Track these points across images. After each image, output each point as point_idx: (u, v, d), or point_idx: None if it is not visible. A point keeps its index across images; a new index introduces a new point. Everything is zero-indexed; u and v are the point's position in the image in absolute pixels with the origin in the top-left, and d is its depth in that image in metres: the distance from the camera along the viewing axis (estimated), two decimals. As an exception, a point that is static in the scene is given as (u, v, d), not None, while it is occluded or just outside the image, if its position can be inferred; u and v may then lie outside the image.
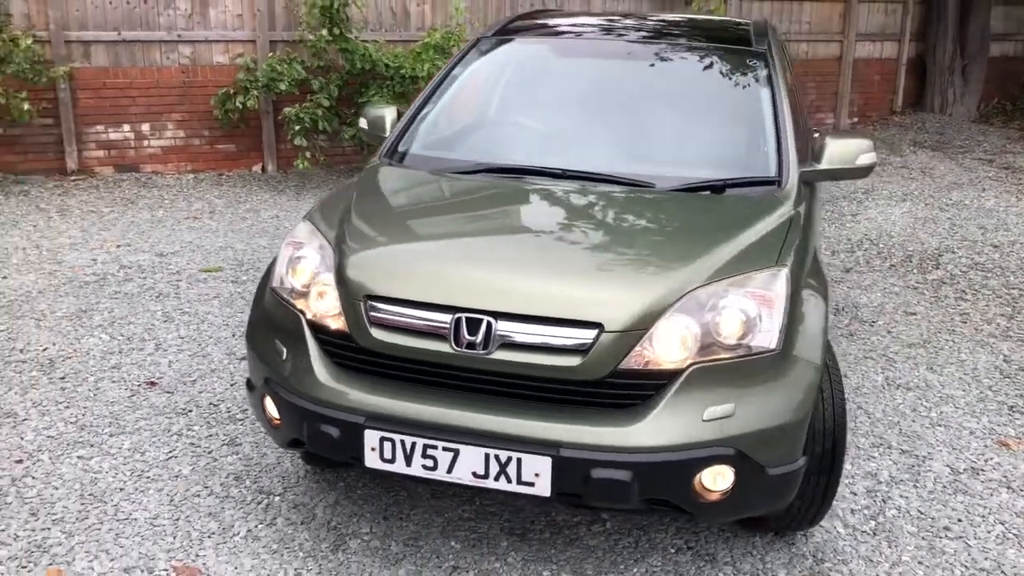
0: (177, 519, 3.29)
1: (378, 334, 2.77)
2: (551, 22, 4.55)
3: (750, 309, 2.74)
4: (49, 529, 3.20)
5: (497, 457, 2.60)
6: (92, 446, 3.79)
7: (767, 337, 2.75)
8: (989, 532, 3.39)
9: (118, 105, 9.03)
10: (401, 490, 3.52)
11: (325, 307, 2.90)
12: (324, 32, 8.89)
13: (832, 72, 12.37)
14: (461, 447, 2.63)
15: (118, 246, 6.77)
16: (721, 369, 2.69)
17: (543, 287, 2.74)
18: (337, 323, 2.86)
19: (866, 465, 3.85)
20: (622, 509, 2.73)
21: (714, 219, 3.20)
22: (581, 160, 3.55)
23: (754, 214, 3.17)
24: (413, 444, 2.66)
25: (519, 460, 2.59)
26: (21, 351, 4.76)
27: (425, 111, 3.97)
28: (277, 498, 3.45)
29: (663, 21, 4.61)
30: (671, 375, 2.66)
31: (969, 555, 3.24)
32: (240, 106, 8.93)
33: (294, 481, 3.56)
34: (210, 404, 4.20)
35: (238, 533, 3.22)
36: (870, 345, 5.24)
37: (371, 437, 2.69)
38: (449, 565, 3.08)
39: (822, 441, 2.96)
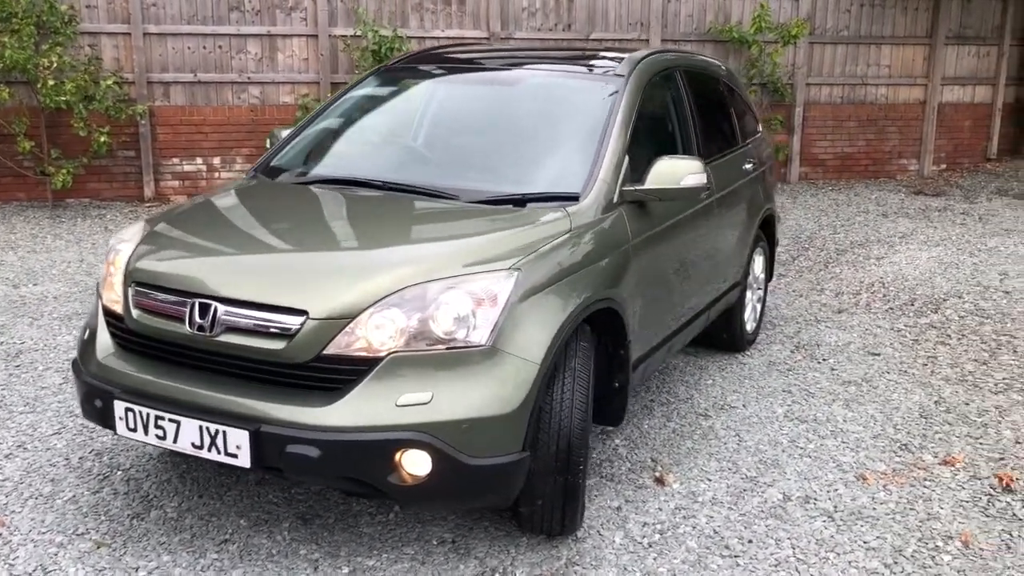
0: (21, 482, 3.71)
1: (138, 316, 3.12)
2: (442, 56, 4.82)
3: (466, 306, 2.91)
4: (-88, 481, 3.70)
5: (208, 429, 2.88)
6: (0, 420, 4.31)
7: (479, 334, 2.90)
8: (772, 555, 3.34)
9: (192, 140, 9.92)
10: (231, 476, 3.81)
11: (115, 294, 3.27)
12: (375, 74, 9.50)
13: (915, 117, 11.95)
14: (182, 419, 2.92)
15: (148, 263, 7.43)
16: (425, 359, 2.86)
17: (259, 277, 3.02)
18: (118, 307, 3.22)
19: (696, 486, 3.84)
20: (332, 485, 2.94)
21: (476, 226, 3.36)
22: (404, 174, 3.82)
23: (523, 225, 3.33)
24: (148, 415, 2.97)
25: (225, 433, 2.85)
26: (1, 343, 5.39)
27: (303, 132, 4.33)
28: (120, 472, 3.83)
29: (544, 51, 4.81)
30: (375, 362, 2.85)
31: (730, 573, 3.21)
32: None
33: (145, 460, 3.93)
34: (123, 394, 4.64)
35: (63, 496, 3.61)
36: (800, 381, 5.14)
37: (119, 407, 3.03)
38: (222, 538, 3.35)
39: (556, 441, 3.06)
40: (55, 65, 8.74)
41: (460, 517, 3.50)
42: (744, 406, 4.74)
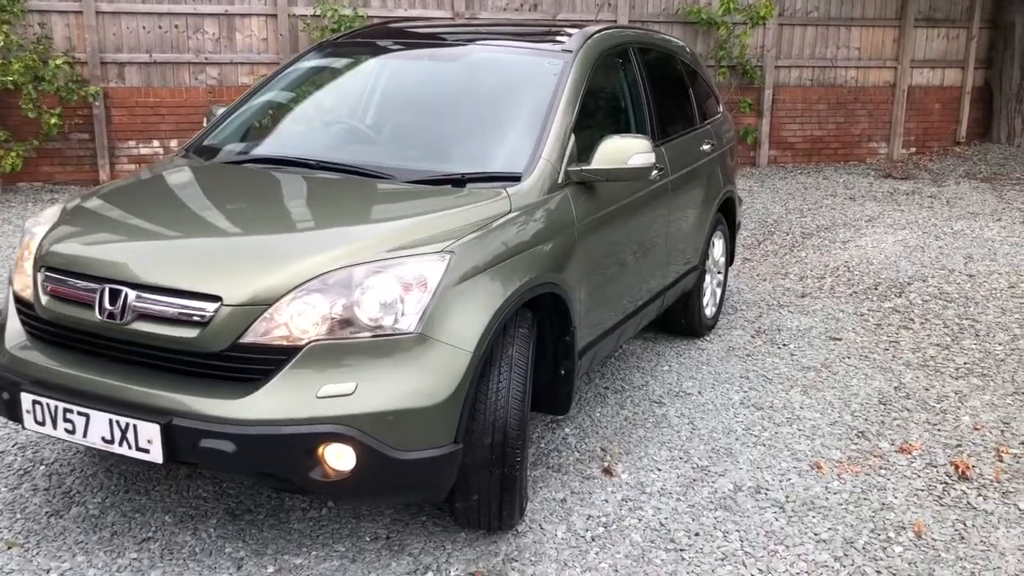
0: (-64, 478, 3.53)
1: (47, 303, 2.94)
2: (387, 31, 4.63)
3: (393, 291, 2.75)
4: None
5: (119, 423, 2.71)
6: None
7: (407, 320, 2.75)
8: (719, 548, 3.21)
9: (148, 122, 9.66)
10: (161, 470, 3.64)
11: (25, 280, 3.08)
12: (335, 54, 9.28)
13: (884, 100, 11.87)
14: (92, 412, 2.74)
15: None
16: (349, 348, 2.71)
17: (172, 262, 2.85)
18: (28, 294, 3.04)
19: (645, 476, 3.72)
20: (256, 481, 2.79)
21: (409, 207, 3.21)
22: (339, 153, 3.66)
23: (459, 206, 3.17)
24: (56, 407, 2.79)
25: (135, 427, 2.69)
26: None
27: (238, 110, 4.14)
28: (43, 467, 3.65)
29: (494, 27, 4.64)
30: (295, 351, 2.69)
31: (674, 568, 3.09)
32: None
33: (71, 455, 3.75)
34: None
35: (-22, 494, 3.43)
36: (758, 366, 5.02)
37: (26, 400, 2.85)
38: (144, 536, 3.18)
39: (491, 433, 2.91)
40: (1, 44, 8.46)
41: (397, 512, 3.35)
42: (700, 393, 4.62)
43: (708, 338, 5.50)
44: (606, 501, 3.50)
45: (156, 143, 9.70)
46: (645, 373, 4.88)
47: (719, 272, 5.70)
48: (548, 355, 3.53)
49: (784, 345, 5.40)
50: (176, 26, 9.55)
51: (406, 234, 2.95)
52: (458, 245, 2.93)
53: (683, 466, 3.82)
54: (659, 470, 3.78)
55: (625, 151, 3.55)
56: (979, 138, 12.45)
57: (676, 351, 5.24)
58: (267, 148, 3.87)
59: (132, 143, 9.64)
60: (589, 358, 3.81)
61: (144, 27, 9.45)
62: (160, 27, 9.50)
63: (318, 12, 9.54)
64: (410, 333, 2.75)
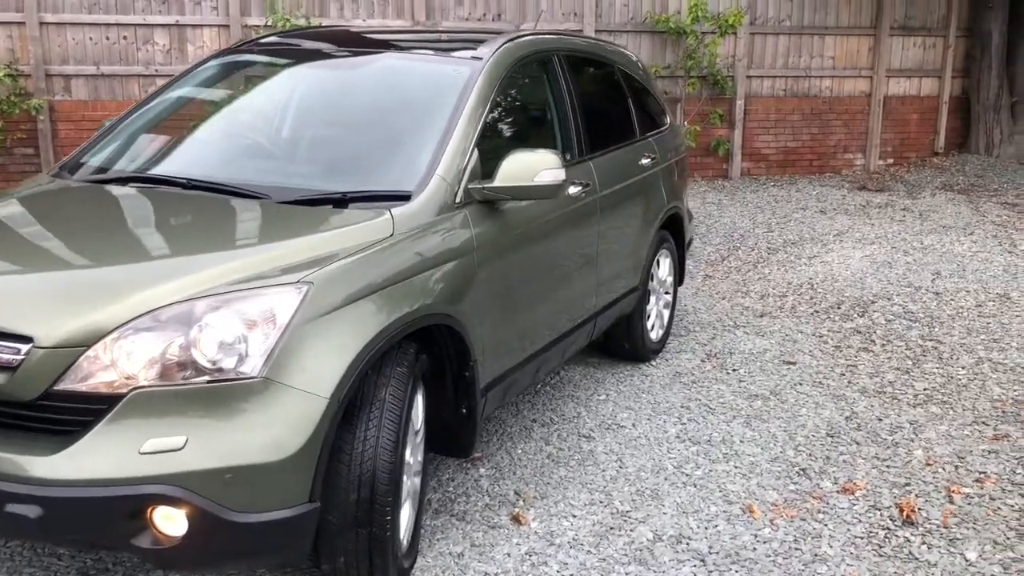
0: None
1: None
2: (293, 38, 4.29)
3: (235, 329, 2.42)
4: None
5: (-85, 484, 2.36)
6: None
7: (251, 363, 2.41)
8: (625, 611, 2.87)
9: (96, 136, 9.30)
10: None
11: None
12: (288, 65, 8.95)
13: (860, 110, 11.56)
14: None
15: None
16: (180, 396, 2.37)
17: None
18: None
19: (557, 524, 3.37)
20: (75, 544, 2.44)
21: (272, 232, 2.88)
22: (214, 170, 3.32)
23: (331, 229, 2.84)
24: None
25: (-68, 488, 2.34)
26: None
27: (124, 122, 3.81)
28: None
29: (409, 34, 4.32)
30: (118, 399, 2.35)
31: (570, 636, 2.74)
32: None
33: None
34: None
35: None
36: (702, 394, 4.68)
37: None
38: (-22, 602, 2.83)
39: (356, 488, 2.57)
40: (-62, 56, 8.15)
41: (269, 569, 3.00)
42: (634, 425, 4.28)
43: (654, 363, 5.16)
44: (508, 555, 3.16)
45: (104, 158, 9.34)
46: (579, 403, 4.54)
47: (666, 292, 5.37)
48: (448, 393, 3.19)
49: (734, 370, 5.07)
50: (124, 37, 9.23)
51: (259, 263, 2.61)
52: (320, 274, 2.60)
53: (602, 511, 3.48)
54: (574, 516, 3.43)
55: (532, 167, 3.22)
56: (957, 148, 12.15)
57: (617, 378, 4.90)
58: (140, 165, 3.53)
59: (79, 158, 9.27)
60: (499, 394, 3.48)
61: (91, 38, 9.13)
62: (108, 38, 9.17)
63: (271, 22, 9.22)
64: (254, 377, 2.41)
